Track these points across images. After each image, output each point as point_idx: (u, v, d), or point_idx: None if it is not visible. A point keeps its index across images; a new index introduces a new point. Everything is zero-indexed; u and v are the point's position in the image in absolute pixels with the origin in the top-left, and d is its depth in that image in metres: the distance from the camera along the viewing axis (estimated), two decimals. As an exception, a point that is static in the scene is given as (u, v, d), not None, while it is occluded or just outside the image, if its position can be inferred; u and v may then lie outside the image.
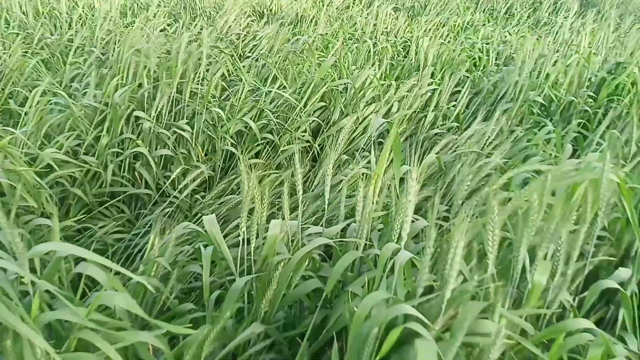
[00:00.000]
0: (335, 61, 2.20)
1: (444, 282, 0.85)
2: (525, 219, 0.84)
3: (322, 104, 2.19)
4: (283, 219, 1.02)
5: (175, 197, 1.83)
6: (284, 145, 2.09)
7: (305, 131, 2.17)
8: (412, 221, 0.99)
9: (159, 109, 1.78)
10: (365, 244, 1.04)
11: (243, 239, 0.98)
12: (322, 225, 1.15)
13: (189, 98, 1.92)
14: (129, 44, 1.83)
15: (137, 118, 1.87)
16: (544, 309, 0.82)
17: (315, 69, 2.25)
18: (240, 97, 2.08)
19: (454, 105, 2.33)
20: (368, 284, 0.94)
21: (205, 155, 2.02)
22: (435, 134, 2.10)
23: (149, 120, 1.81)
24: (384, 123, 1.39)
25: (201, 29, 2.71)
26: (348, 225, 1.09)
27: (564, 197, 0.94)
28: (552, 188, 0.87)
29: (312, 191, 1.70)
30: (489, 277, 0.86)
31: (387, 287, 0.85)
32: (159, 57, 1.89)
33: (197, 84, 1.94)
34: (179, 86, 1.89)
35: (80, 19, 3.37)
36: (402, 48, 3.29)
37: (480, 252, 1.02)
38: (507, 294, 0.82)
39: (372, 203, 1.03)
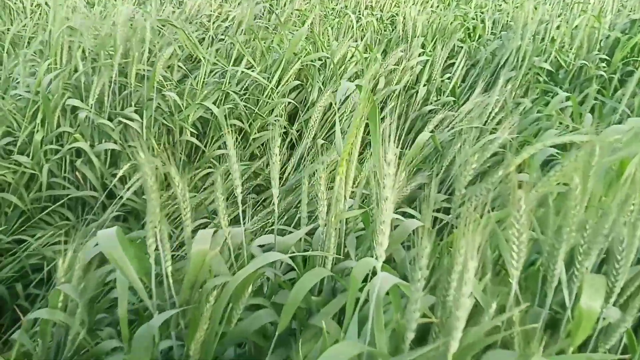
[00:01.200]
0: (310, 31, 1.91)
1: (447, 313, 0.57)
2: (564, 212, 0.56)
3: (298, 82, 1.90)
4: (222, 225, 0.74)
5: (128, 198, 1.55)
6: (255, 133, 1.81)
7: (280, 115, 1.88)
8: (394, 226, 0.71)
9: (96, 96, 1.49)
10: (340, 255, 0.76)
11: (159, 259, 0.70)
12: (287, 230, 0.88)
13: (136, 82, 1.63)
14: (59, 20, 1.53)
15: (76, 108, 1.58)
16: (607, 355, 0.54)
17: (288, 44, 1.95)
18: (201, 79, 1.78)
19: (448, 78, 2.04)
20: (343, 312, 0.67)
21: (164, 148, 1.73)
22: (429, 111, 1.81)
23: (86, 109, 1.52)
24: (354, 90, 1.11)
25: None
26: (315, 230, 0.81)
27: (610, 178, 0.66)
28: (598, 166, 0.59)
29: (284, 185, 1.42)
30: (512, 300, 0.59)
31: (364, 325, 0.57)
32: (95, 37, 1.60)
33: (147, 64, 1.65)
34: (122, 68, 1.60)
35: (38, 8, 3.05)
36: (389, 23, 2.99)
37: (495, 261, 0.74)
38: (540, 328, 0.55)
39: (343, 198, 0.75)
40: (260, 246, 0.80)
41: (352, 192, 0.80)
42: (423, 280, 0.50)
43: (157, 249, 0.66)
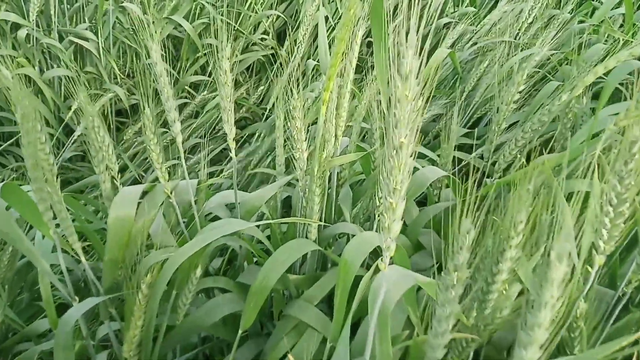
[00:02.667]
0: None
1: (488, 318, 0.37)
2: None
3: (287, -9, 1.59)
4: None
5: (83, 135, 1.32)
6: (237, 55, 1.53)
7: (265, 33, 1.59)
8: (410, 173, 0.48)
9: (37, 9, 1.21)
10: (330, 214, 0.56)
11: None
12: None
13: (88, -9, 1.33)
14: None
15: (17, 26, 1.30)
16: None
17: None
18: (168, -12, 1.47)
19: (468, -15, 1.70)
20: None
21: (128, 75, 1.47)
22: (445, 25, 1.51)
23: (27, 26, 1.24)
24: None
25: None
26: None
27: None
28: None
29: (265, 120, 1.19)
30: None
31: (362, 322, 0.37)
32: None
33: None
34: (67, -28, 1.29)
35: None
36: None
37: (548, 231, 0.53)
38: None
39: (334, 136, 0.53)
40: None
41: (348, 126, 0.57)
42: (461, 284, 0.29)
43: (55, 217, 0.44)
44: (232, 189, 0.55)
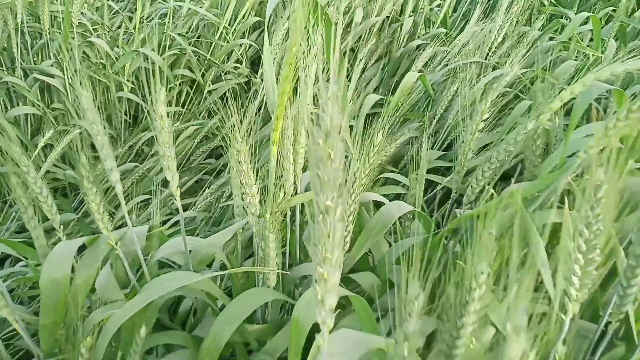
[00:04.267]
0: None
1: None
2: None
3: (259, 18, 1.58)
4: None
5: (52, 171, 1.28)
6: (210, 85, 1.51)
7: (239, 61, 1.57)
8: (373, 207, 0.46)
9: (-2, 47, 1.17)
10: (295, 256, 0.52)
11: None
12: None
13: (54, 28, 1.30)
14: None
15: (-21, 65, 1.27)
16: None
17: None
18: (137, 20, 1.45)
19: (438, 6, 1.72)
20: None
21: (98, 109, 1.44)
22: (417, 48, 1.51)
23: (-12, 66, 1.20)
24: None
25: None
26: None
27: None
28: None
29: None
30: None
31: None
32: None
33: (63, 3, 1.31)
34: (31, 9, 1.27)
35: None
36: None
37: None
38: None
39: (292, 175, 0.50)
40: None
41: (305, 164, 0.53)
42: (413, 352, 0.25)
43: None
44: (207, 222, 0.51)
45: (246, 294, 0.44)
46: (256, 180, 0.43)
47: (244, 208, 0.45)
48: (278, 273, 0.48)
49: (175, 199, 0.43)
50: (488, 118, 0.53)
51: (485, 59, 1.17)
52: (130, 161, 1.38)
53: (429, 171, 0.94)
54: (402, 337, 0.25)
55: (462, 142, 0.52)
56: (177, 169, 0.47)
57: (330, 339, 0.32)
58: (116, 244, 0.48)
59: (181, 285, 0.41)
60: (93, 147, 1.47)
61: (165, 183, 1.34)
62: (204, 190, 1.14)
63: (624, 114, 0.43)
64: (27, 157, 0.50)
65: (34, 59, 1.35)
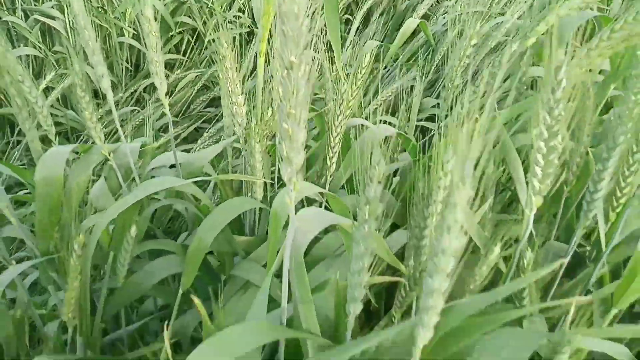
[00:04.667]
0: None
1: (423, 265, 0.36)
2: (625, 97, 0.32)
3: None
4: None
5: (54, 114, 1.30)
6: (211, 33, 1.50)
7: (240, 10, 1.56)
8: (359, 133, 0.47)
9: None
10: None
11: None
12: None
13: (53, -32, 1.29)
14: None
15: (-20, 4, 1.26)
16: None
17: None
18: (138, -35, 1.43)
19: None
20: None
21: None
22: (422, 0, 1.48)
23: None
24: None
25: None
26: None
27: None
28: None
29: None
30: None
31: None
32: None
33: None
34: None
35: None
36: None
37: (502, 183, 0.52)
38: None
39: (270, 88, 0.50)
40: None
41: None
42: (374, 217, 0.27)
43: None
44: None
45: (230, 202, 0.46)
46: (243, 89, 0.44)
47: (232, 120, 0.47)
48: (265, 187, 0.50)
49: (164, 108, 0.45)
50: (476, 44, 0.53)
51: (488, 9, 1.15)
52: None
53: (426, 119, 0.95)
54: (364, 201, 0.27)
55: (450, 68, 0.53)
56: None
57: (300, 214, 0.34)
58: (109, 154, 0.50)
59: (169, 186, 0.43)
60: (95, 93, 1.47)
61: (165, 129, 1.35)
62: (202, 136, 1.15)
63: (606, 34, 0.44)
64: (23, 67, 0.51)
65: (34, 0, 1.34)
